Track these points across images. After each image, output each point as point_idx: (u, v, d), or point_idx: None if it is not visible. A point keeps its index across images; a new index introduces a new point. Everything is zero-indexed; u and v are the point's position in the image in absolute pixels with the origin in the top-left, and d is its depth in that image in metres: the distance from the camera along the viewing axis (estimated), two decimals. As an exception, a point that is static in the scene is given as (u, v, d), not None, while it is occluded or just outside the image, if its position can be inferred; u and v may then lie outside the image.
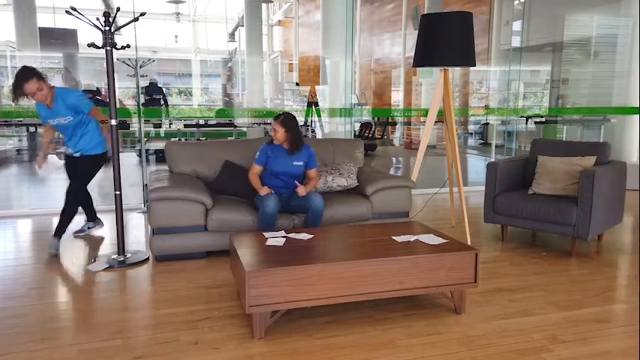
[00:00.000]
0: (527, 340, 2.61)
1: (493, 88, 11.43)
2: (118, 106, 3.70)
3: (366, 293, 2.70)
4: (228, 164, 4.23)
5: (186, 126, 9.73)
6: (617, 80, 7.46)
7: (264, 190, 3.75)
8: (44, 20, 10.02)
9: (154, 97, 10.62)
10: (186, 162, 4.27)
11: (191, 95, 16.91)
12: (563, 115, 9.43)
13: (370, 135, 11.47)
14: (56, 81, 11.04)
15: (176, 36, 18.61)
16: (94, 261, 3.77)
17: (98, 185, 6.79)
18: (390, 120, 12.43)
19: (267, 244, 2.94)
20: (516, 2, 9.95)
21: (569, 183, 4.04)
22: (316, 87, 8.67)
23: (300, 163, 3.90)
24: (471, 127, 12.85)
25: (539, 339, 2.62)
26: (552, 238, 4.46)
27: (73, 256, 4.01)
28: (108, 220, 4.75)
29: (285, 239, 3.01)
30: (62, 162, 4.25)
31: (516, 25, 9.74)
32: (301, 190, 3.78)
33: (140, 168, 5.65)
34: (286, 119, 3.83)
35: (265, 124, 8.78)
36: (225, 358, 2.43)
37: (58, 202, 4.04)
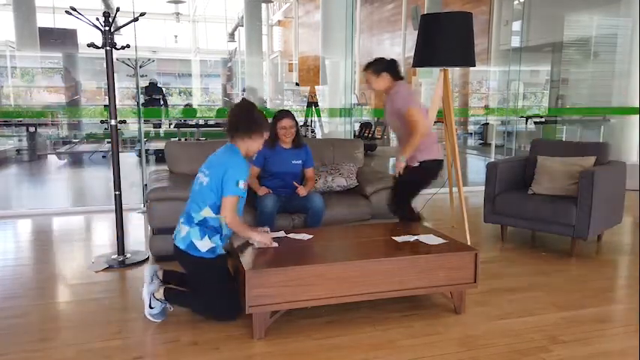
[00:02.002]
0: (527, 340, 2.61)
1: (493, 89, 11.44)
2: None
3: (366, 293, 2.70)
4: (228, 164, 4.22)
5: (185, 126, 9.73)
6: (617, 80, 7.46)
7: (262, 191, 3.75)
8: (44, 20, 10.03)
9: (153, 97, 10.61)
10: (186, 162, 4.26)
11: (191, 95, 16.91)
12: (563, 116, 9.44)
13: (370, 135, 11.47)
14: (56, 81, 11.05)
15: (176, 36, 18.62)
16: (94, 261, 3.77)
17: (98, 186, 6.80)
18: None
19: (267, 244, 2.93)
20: (516, 2, 9.96)
21: (569, 183, 4.03)
22: (316, 87, 8.67)
23: (299, 162, 3.90)
24: (471, 128, 12.85)
25: (539, 339, 2.62)
26: (552, 238, 4.45)
27: (73, 256, 4.01)
28: (108, 221, 4.75)
29: (285, 239, 3.01)
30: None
31: (516, 25, 9.74)
32: (302, 191, 3.78)
33: (140, 168, 5.65)
34: (292, 114, 3.85)
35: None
36: (225, 358, 2.43)
37: (58, 202, 4.03)
